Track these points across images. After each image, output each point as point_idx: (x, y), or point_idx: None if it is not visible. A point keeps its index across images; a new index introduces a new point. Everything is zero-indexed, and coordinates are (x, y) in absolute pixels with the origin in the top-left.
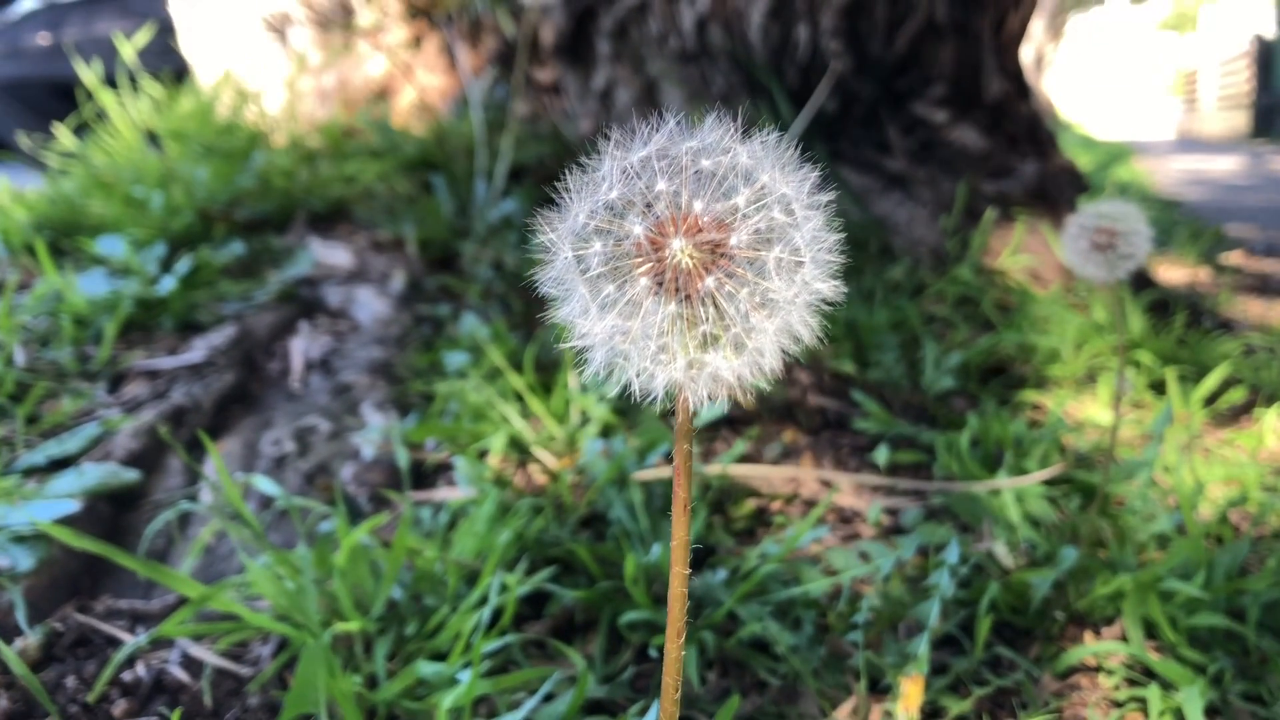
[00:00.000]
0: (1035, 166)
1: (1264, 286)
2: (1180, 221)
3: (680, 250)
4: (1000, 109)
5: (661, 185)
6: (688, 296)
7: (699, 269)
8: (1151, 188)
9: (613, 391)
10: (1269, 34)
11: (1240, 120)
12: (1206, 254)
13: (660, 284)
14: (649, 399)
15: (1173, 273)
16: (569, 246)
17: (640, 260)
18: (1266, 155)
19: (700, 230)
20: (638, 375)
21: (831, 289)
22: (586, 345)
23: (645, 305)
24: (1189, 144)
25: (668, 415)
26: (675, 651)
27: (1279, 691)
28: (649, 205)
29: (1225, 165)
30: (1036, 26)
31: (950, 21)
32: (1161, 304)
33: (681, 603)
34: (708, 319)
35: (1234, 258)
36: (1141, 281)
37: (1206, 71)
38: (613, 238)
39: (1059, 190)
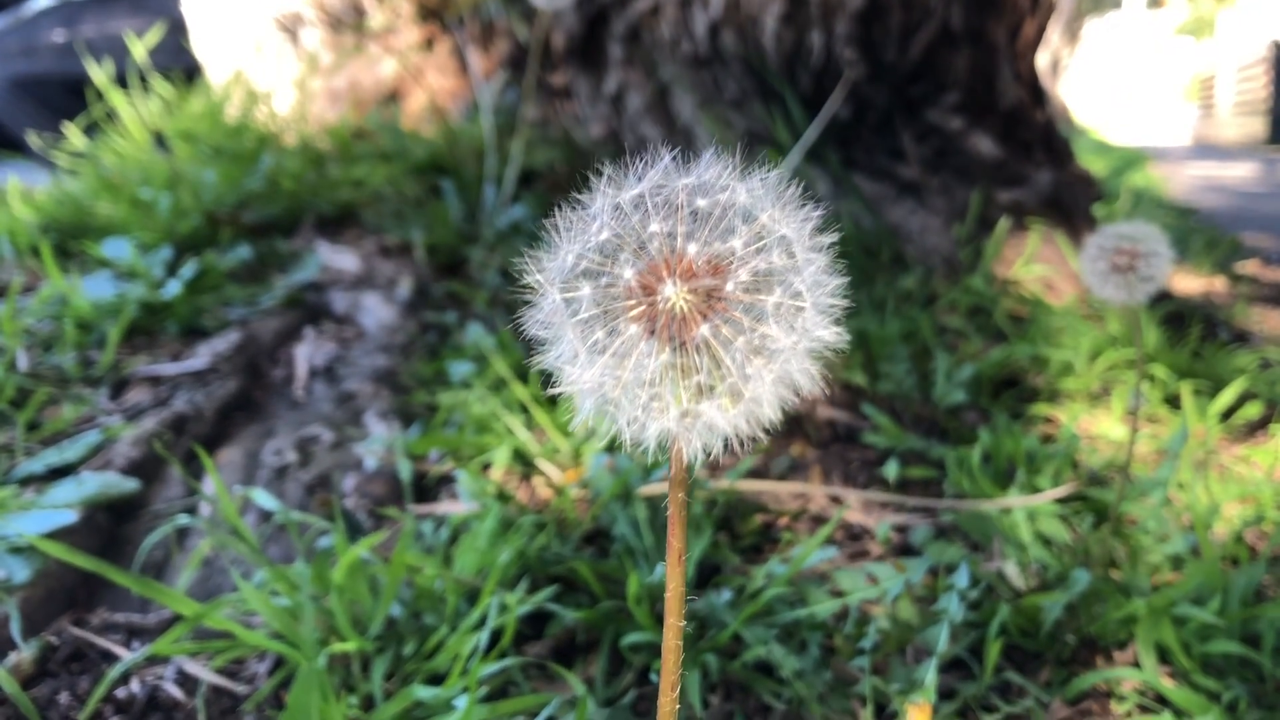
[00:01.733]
0: (1050, 175)
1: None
2: (1195, 230)
3: (674, 296)
4: (1015, 116)
5: (655, 226)
6: (682, 344)
7: (693, 315)
8: (1166, 195)
9: (604, 439)
10: None
11: (1257, 126)
12: (1222, 263)
13: (653, 330)
14: (640, 448)
15: (1188, 283)
16: (557, 289)
17: (632, 304)
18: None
19: (695, 274)
20: (629, 424)
21: (834, 335)
22: (575, 392)
23: (637, 353)
24: (1205, 150)
25: None
26: (670, 705)
27: None
28: (642, 246)
29: (1241, 172)
30: (1052, 31)
31: (965, 29)
32: (1177, 316)
33: (676, 655)
34: (702, 368)
35: (1249, 267)
36: (1157, 293)
37: (1223, 77)
38: (603, 280)
39: (1074, 199)
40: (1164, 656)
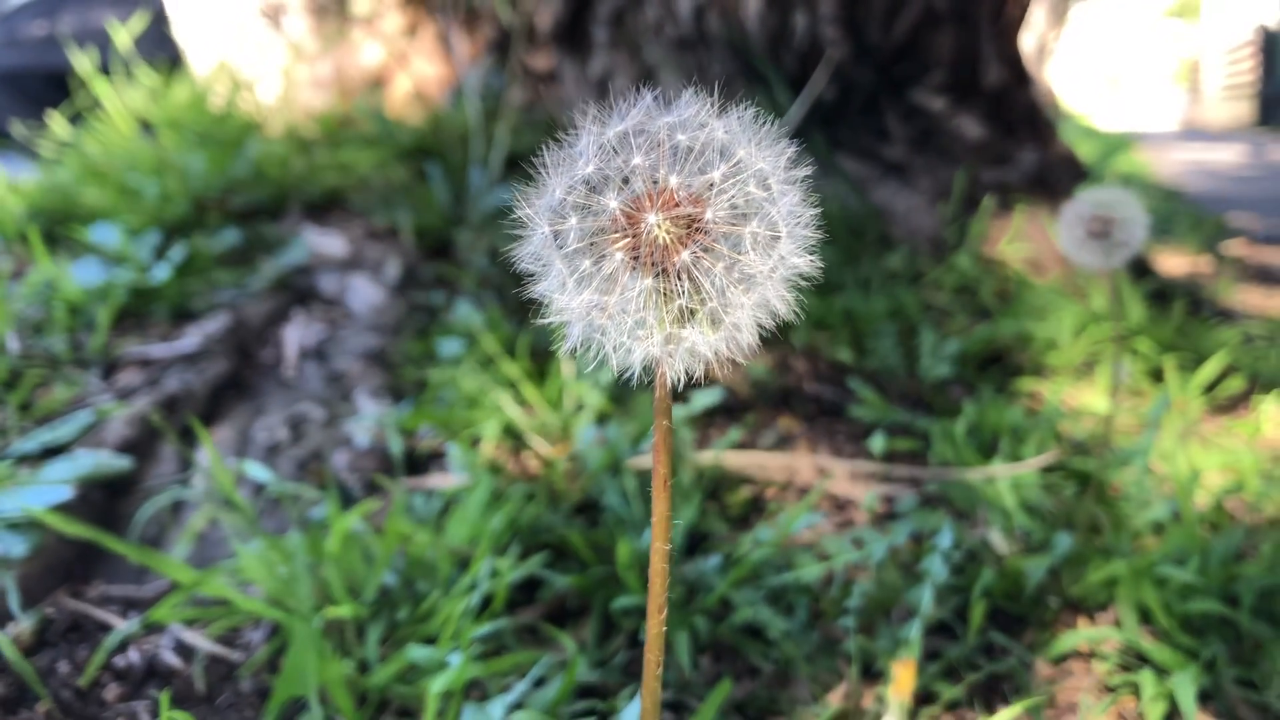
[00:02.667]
0: (1034, 154)
1: (1265, 275)
2: (1182, 211)
3: (656, 224)
4: (999, 97)
5: (638, 160)
6: (664, 271)
7: (675, 243)
8: (1153, 178)
9: (591, 366)
10: (1273, 24)
11: (1245, 110)
12: (1208, 243)
13: (636, 258)
14: (628, 374)
15: (1173, 262)
16: (546, 222)
17: (617, 235)
18: (1269, 145)
19: (676, 205)
20: (615, 350)
21: (808, 263)
22: (564, 320)
23: (622, 280)
24: (1193, 134)
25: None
26: (656, 626)
27: (1272, 677)
28: (625, 180)
29: (1228, 155)
30: (1039, 15)
31: (949, 8)
32: (1161, 293)
33: (662, 578)
34: (684, 294)
35: (1235, 247)
36: (1141, 271)
37: (1211, 61)
38: (589, 213)
39: (1058, 178)
40: (1145, 617)
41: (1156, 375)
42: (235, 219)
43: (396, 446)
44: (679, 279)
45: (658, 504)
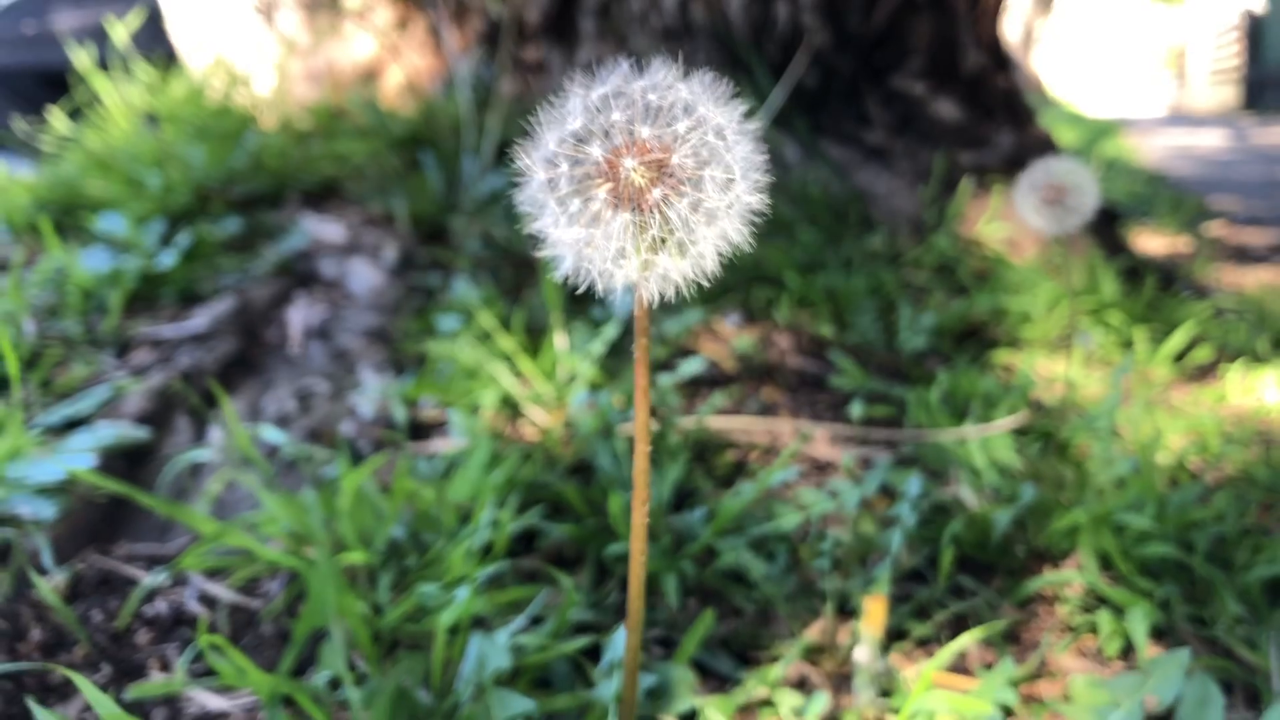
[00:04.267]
0: (1011, 137)
1: (1242, 255)
2: (1163, 195)
3: (632, 169)
4: (977, 81)
5: (616, 116)
6: (639, 208)
7: (648, 185)
8: (1138, 162)
9: (580, 288)
10: (1258, 8)
11: (1230, 95)
12: (1188, 224)
13: (617, 198)
14: (611, 293)
15: (1152, 242)
16: (541, 169)
17: (600, 179)
18: (1254, 129)
19: (649, 152)
20: (600, 275)
21: (759, 201)
22: (557, 252)
23: (605, 216)
24: (1179, 119)
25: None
26: (641, 518)
27: (1221, 614)
28: (606, 133)
29: (1213, 140)
30: (1025, 1)
31: None
32: (1135, 270)
33: (645, 476)
34: (656, 226)
35: (1216, 228)
36: (1115, 247)
37: (1197, 46)
38: (577, 161)
39: (1035, 160)
40: (1105, 563)
41: (1129, 347)
42: (237, 208)
43: (400, 415)
44: (652, 214)
45: (640, 410)
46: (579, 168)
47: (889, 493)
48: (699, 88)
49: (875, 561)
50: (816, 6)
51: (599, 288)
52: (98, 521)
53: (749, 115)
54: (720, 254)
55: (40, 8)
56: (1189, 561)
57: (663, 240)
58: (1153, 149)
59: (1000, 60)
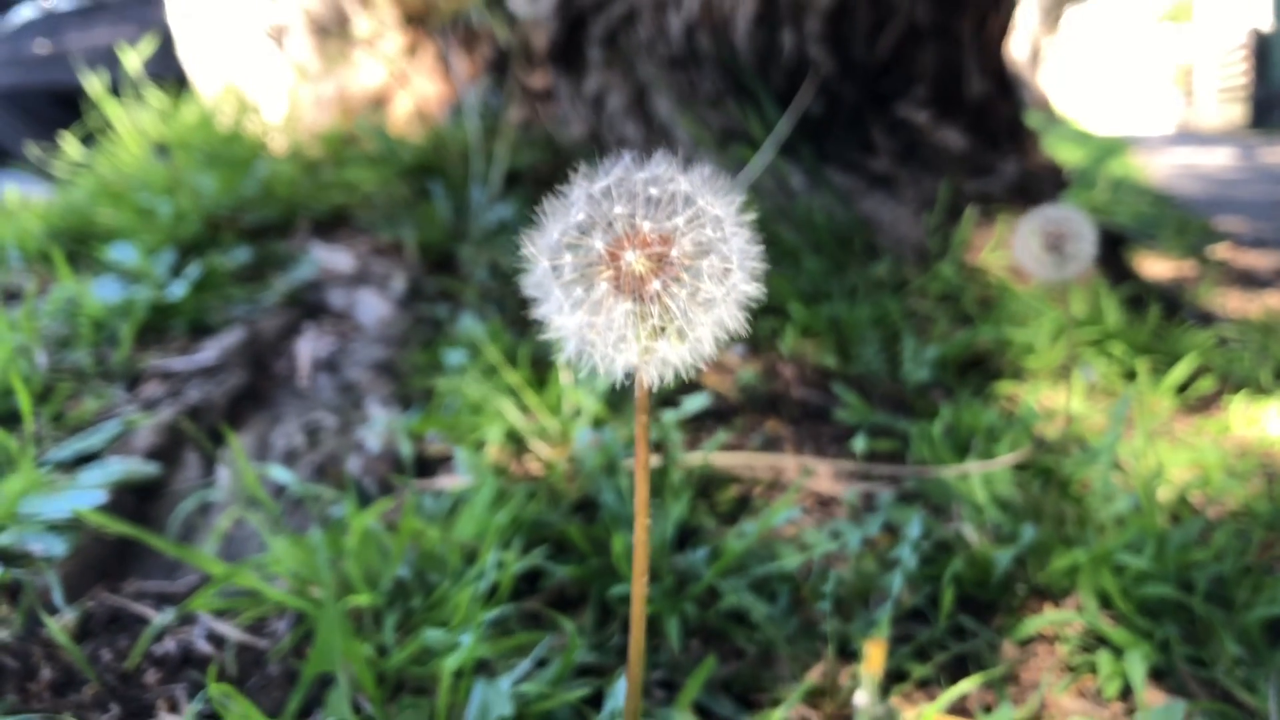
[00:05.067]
0: (1016, 165)
1: (1247, 279)
2: (1169, 215)
3: (633, 261)
4: (982, 109)
5: (619, 209)
6: (640, 296)
7: (648, 275)
8: (1145, 181)
9: (584, 373)
10: (1266, 27)
11: (1238, 113)
12: (1194, 247)
13: (618, 287)
14: (613, 379)
15: (1158, 267)
16: (546, 258)
17: (602, 268)
18: (1260, 148)
19: (649, 244)
20: (602, 360)
21: (756, 290)
22: (561, 336)
23: (606, 304)
24: (1186, 137)
25: (656, 408)
26: (640, 589)
27: (1221, 655)
28: (609, 224)
29: (1220, 158)
30: (1032, 19)
31: (931, 24)
32: (1139, 298)
33: (644, 547)
34: (656, 315)
35: (1221, 251)
36: (1121, 275)
37: (1204, 64)
38: (581, 251)
39: (1039, 188)
40: (1105, 602)
41: (1131, 377)
42: (246, 237)
43: (406, 451)
44: (652, 303)
45: (640, 486)
46: (582, 257)
47: (892, 529)
48: (698, 180)
49: (877, 601)
50: (822, 35)
51: (600, 371)
52: (107, 558)
53: (746, 206)
54: (718, 340)
55: (53, 28)
56: (1189, 602)
57: (662, 328)
58: (1159, 167)
59: (1005, 87)
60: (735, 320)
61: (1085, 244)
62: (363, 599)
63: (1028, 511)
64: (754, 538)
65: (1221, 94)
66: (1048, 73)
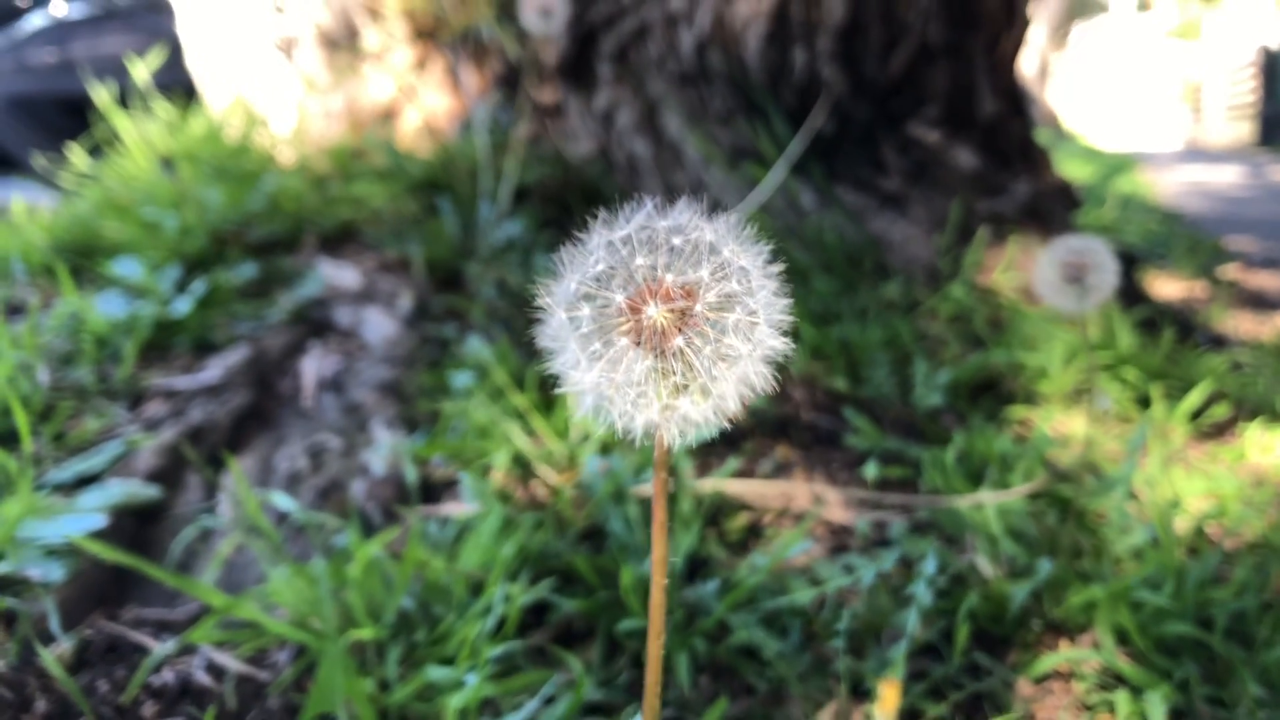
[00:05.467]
0: (1028, 185)
1: (1258, 301)
2: (1179, 234)
3: (655, 315)
4: (994, 129)
5: (640, 260)
6: (661, 353)
7: (671, 329)
8: (1153, 199)
9: (598, 443)
10: (1275, 44)
11: (1246, 130)
12: (1204, 267)
13: (639, 342)
14: (631, 436)
15: (1169, 287)
16: (563, 309)
17: (622, 321)
18: (1268, 165)
19: (671, 298)
20: (620, 417)
21: (783, 344)
22: (578, 392)
23: (626, 360)
24: (1194, 154)
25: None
26: (656, 650)
27: (1241, 696)
28: (630, 276)
29: (1229, 176)
30: (1040, 35)
31: (944, 43)
32: (1151, 321)
33: (660, 610)
34: (678, 371)
35: (1232, 271)
36: (1133, 297)
37: (1213, 81)
38: (599, 303)
39: (1051, 208)
40: (1123, 639)
41: (1144, 402)
42: (253, 252)
43: (411, 475)
44: (674, 359)
45: (657, 545)
46: (601, 310)
47: (906, 562)
48: (723, 229)
49: (890, 637)
50: (833, 53)
51: (618, 427)
52: (106, 584)
53: (774, 257)
54: (743, 398)
55: (63, 36)
56: (1208, 640)
57: (684, 385)
58: (1168, 185)
59: (1017, 106)
60: (762, 377)
61: (1107, 275)
62: (365, 633)
63: (1043, 543)
64: (766, 571)
65: (1230, 111)
66: (1055, 88)
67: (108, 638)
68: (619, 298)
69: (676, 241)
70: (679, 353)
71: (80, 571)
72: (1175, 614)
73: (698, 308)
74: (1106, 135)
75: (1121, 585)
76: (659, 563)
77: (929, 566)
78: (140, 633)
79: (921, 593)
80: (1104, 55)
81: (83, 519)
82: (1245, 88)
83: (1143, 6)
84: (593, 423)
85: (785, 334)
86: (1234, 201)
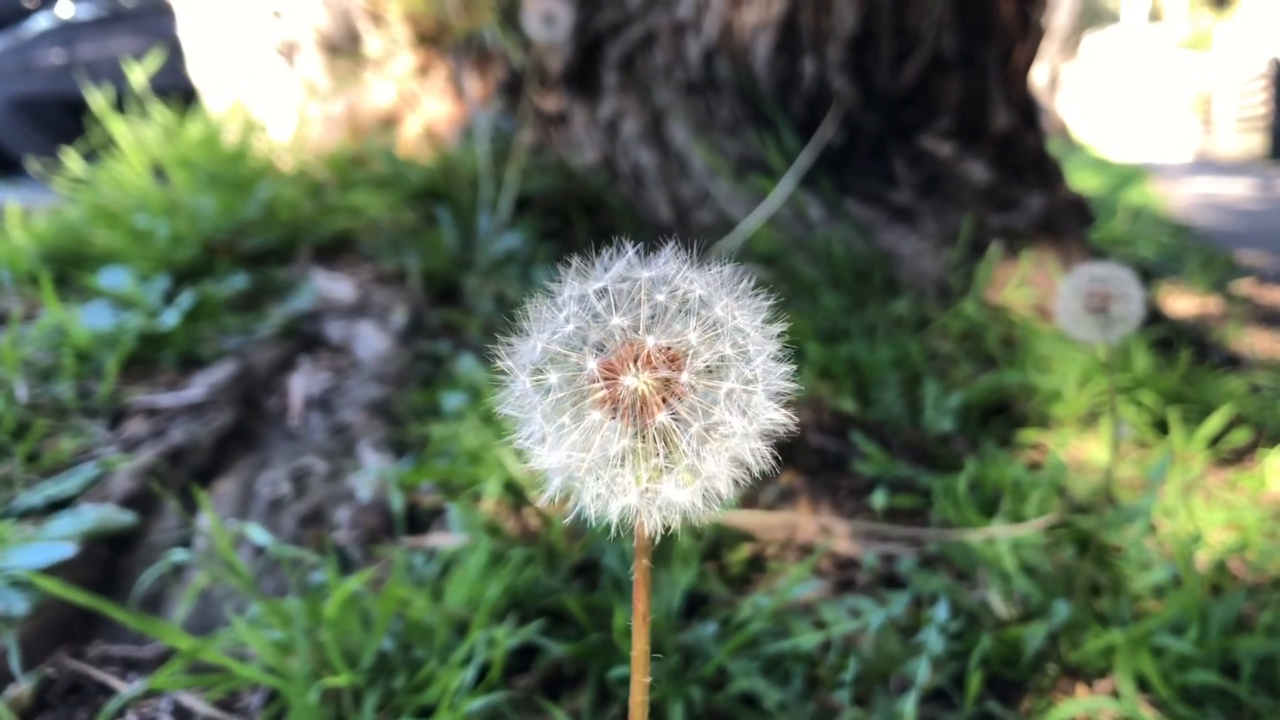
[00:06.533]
0: (1041, 199)
1: (1273, 318)
2: (1191, 248)
3: (634, 385)
4: (1007, 141)
5: (617, 320)
6: (642, 430)
7: (653, 402)
8: (1164, 211)
9: (570, 516)
10: None
11: (1257, 142)
12: (1217, 282)
13: (615, 415)
14: (604, 524)
15: (1182, 303)
16: (527, 375)
17: (595, 387)
18: (1278, 178)
19: (653, 366)
20: (593, 500)
21: (784, 417)
22: (543, 468)
23: (600, 436)
24: (1205, 166)
25: None
26: None
27: None
28: (606, 337)
29: (1239, 188)
30: (1050, 45)
31: (957, 54)
32: (1167, 340)
33: (642, 710)
34: (661, 451)
35: (1245, 286)
36: (1149, 315)
37: (1223, 93)
38: (569, 368)
39: (1065, 223)
40: (1143, 685)
41: (1161, 426)
42: (245, 262)
43: (398, 503)
44: (658, 439)
45: (637, 640)
46: (571, 377)
47: (915, 600)
48: (715, 281)
49: (898, 685)
50: (844, 63)
51: (589, 513)
52: (72, 618)
53: (774, 315)
54: (736, 479)
55: (69, 38)
56: (1234, 689)
57: (668, 466)
58: (1178, 197)
59: (1030, 119)
60: (758, 455)
61: (1133, 305)
62: (341, 680)
63: (1058, 580)
64: (768, 613)
65: (1240, 123)
66: (1065, 98)
67: (71, 676)
68: (592, 363)
69: (660, 297)
70: (663, 431)
71: (45, 604)
72: (1199, 661)
73: (684, 377)
74: (1116, 146)
75: (1143, 630)
76: (639, 658)
77: (941, 612)
78: (106, 671)
79: (933, 640)
80: (1114, 65)
81: (51, 548)
82: (1256, 100)
83: (1154, 17)
84: (558, 501)
85: (786, 405)
86: (1245, 215)
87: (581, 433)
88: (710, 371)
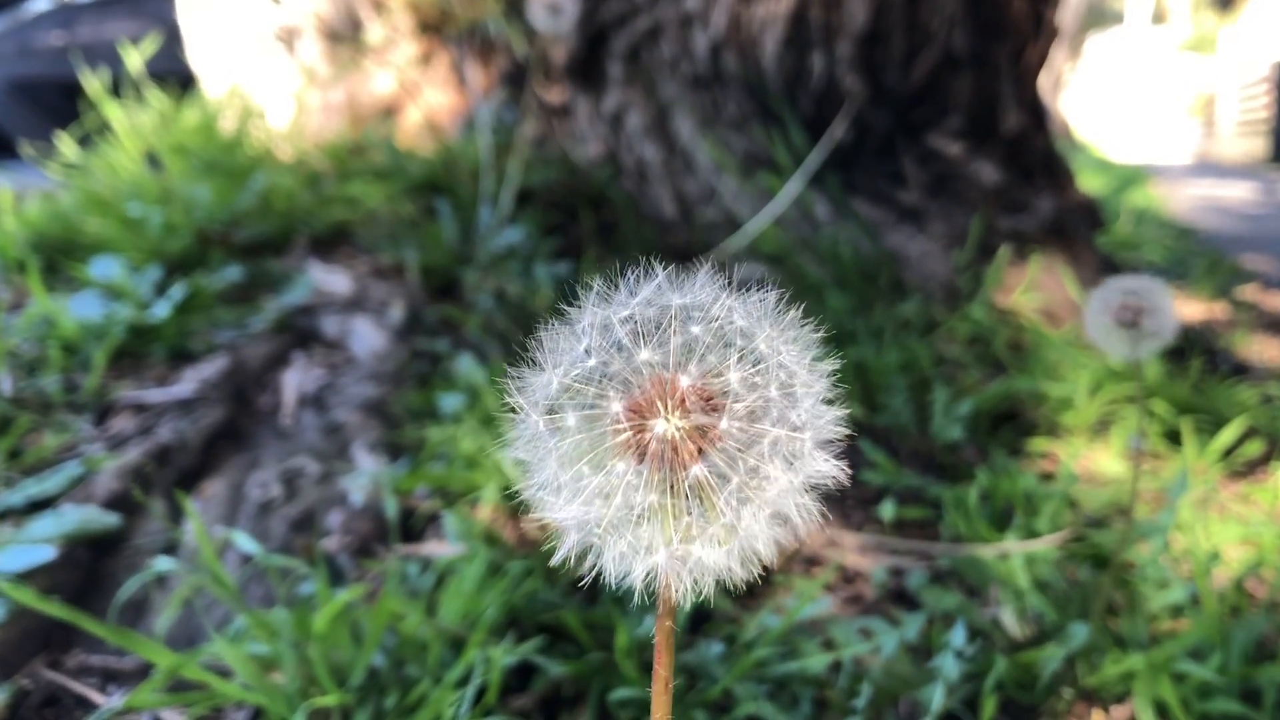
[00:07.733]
0: (1051, 202)
1: (1279, 326)
2: (1196, 252)
3: (665, 432)
4: (1017, 142)
5: (645, 355)
6: (673, 484)
7: (686, 451)
8: (1167, 214)
9: (588, 577)
10: None
11: (1258, 146)
12: (1223, 288)
13: (642, 464)
14: (626, 588)
15: (1189, 308)
16: (540, 415)
17: (620, 431)
18: None
19: (687, 409)
20: (614, 560)
21: (834, 468)
22: (557, 522)
23: (623, 490)
24: (1207, 168)
25: None
26: None
27: None
28: (632, 373)
29: (1242, 192)
30: (1055, 49)
31: (968, 52)
32: (1177, 348)
33: None
34: (693, 509)
35: (1249, 292)
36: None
37: (1226, 95)
38: (589, 409)
39: (1075, 226)
40: (1162, 711)
41: (1173, 436)
42: (239, 253)
43: (392, 509)
44: (691, 495)
45: (658, 708)
46: (591, 419)
47: (928, 618)
48: (757, 311)
49: (908, 709)
50: (854, 60)
51: (609, 575)
52: (51, 625)
53: (825, 350)
54: (779, 539)
55: (68, 20)
56: (1255, 718)
57: (701, 525)
58: (1180, 199)
59: (1041, 120)
60: (804, 511)
61: (1165, 318)
62: (330, 699)
63: (1073, 598)
64: (776, 634)
65: (1241, 126)
66: (1068, 99)
67: (47, 688)
68: (615, 408)
69: (695, 330)
70: (698, 485)
71: (22, 611)
72: (1220, 688)
73: (721, 426)
74: (1117, 146)
75: (1163, 656)
76: None
77: (957, 637)
78: (84, 683)
79: (949, 667)
80: (1117, 66)
81: (31, 551)
82: (1258, 103)
83: (1158, 19)
84: (574, 561)
85: (838, 456)
86: (1248, 219)
87: (602, 485)
88: (752, 416)
